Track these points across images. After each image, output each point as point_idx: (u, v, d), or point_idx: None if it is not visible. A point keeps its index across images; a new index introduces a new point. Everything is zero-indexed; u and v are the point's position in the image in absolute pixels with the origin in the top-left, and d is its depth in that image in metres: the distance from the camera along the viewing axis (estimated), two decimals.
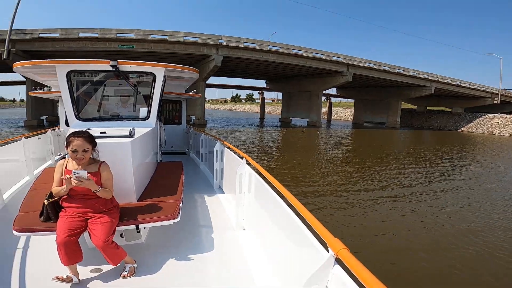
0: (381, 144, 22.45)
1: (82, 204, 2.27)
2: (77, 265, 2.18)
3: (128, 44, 25.04)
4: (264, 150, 17.15)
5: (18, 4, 24.21)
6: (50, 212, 2.29)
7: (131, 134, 2.91)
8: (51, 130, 6.48)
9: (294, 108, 43.17)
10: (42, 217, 2.32)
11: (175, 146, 7.33)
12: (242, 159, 3.17)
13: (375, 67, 33.56)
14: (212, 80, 48.15)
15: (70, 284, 2.10)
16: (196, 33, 25.24)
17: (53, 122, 25.77)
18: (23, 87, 31.61)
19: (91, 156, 2.32)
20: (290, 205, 1.93)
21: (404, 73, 35.80)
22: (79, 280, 2.15)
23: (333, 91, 53.59)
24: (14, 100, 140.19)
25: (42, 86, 5.90)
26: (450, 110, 51.71)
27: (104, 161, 2.41)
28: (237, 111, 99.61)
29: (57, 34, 24.35)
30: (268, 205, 2.47)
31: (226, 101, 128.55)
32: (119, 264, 2.27)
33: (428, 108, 56.09)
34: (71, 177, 2.11)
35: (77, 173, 2.10)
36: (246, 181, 3.02)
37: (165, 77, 3.67)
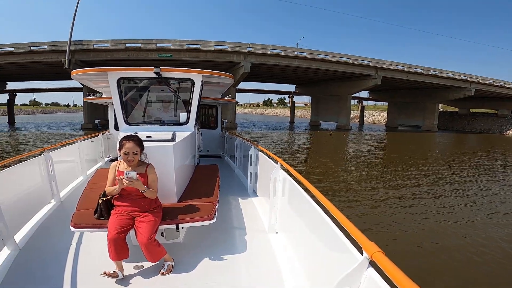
0: (406, 147, 22.17)
1: (131, 203, 2.41)
2: (122, 261, 2.33)
3: (166, 53, 27.51)
4: (288, 152, 18.01)
5: (74, 17, 27.48)
6: (103, 210, 2.45)
7: (173, 138, 3.05)
8: (102, 134, 6.79)
9: (323, 112, 43.38)
10: (96, 214, 2.48)
11: (211, 149, 7.45)
12: (277, 163, 3.18)
13: (406, 69, 32.93)
14: (244, 85, 50.31)
15: (115, 279, 2.24)
16: (226, 42, 27.20)
17: (105, 125, 28.76)
18: (77, 94, 35.83)
19: (139, 159, 2.49)
20: (324, 209, 1.92)
21: (439, 74, 34.54)
22: (123, 275, 2.28)
23: (365, 94, 52.73)
24: (68, 105, 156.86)
25: (95, 92, 6.37)
26: (496, 112, 48.11)
27: (150, 163, 2.56)
28: (269, 115, 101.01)
29: (108, 45, 27.26)
30: (301, 209, 2.49)
31: (258, 105, 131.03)
32: (158, 262, 2.43)
33: (471, 110, 52.63)
34: (123, 178, 2.29)
35: (128, 174, 2.27)
36: (280, 185, 3.03)
37: (202, 83, 3.83)
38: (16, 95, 50.28)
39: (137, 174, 2.35)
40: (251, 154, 4.55)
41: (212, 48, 26.98)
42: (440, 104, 44.12)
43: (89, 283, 2.27)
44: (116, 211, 2.42)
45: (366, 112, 66.41)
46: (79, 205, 2.81)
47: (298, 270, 2.36)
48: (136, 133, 2.97)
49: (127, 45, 27.48)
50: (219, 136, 7.74)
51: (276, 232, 3.10)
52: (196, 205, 2.86)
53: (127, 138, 2.45)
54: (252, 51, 27.26)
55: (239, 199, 4.29)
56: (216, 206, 2.87)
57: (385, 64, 31.95)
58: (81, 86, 29.46)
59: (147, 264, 2.47)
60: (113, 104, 5.49)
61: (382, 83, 33.36)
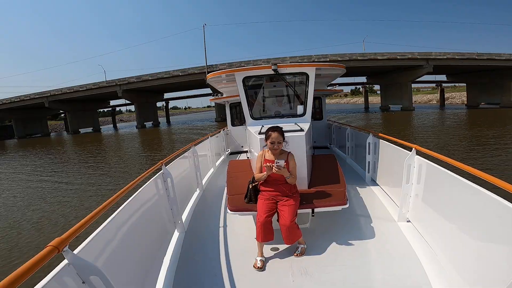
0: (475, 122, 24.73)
1: (274, 188, 2.68)
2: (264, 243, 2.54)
3: None
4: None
5: (205, 48, 43.16)
6: (252, 195, 2.78)
7: (301, 129, 3.33)
8: (223, 130, 7.61)
9: (390, 97, 50.25)
10: (246, 198, 2.81)
11: (317, 141, 7.39)
12: (411, 150, 3.00)
13: (457, 57, 37.93)
14: None
15: (259, 258, 2.50)
16: (297, 57, 39.67)
17: (225, 119, 43.40)
18: (189, 100, 52.70)
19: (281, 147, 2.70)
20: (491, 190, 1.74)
21: (496, 58, 37.82)
22: (264, 256, 2.56)
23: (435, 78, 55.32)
24: (185, 108, 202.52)
25: (218, 93, 7.52)
26: None
27: (290, 152, 2.78)
28: (356, 103, 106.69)
29: (225, 67, 38.83)
30: (449, 195, 2.29)
31: (346, 95, 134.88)
32: (291, 245, 2.63)
33: None
34: (272, 166, 2.52)
35: (278, 162, 2.51)
36: (415, 171, 2.89)
37: (315, 76, 4.03)
38: (169, 102, 74.74)
39: (284, 162, 2.54)
40: (369, 143, 4.47)
41: (288, 62, 39.76)
42: None
43: (238, 260, 2.57)
44: (263, 196, 2.70)
45: (456, 93, 68.16)
46: (228, 191, 3.13)
47: (442, 260, 2.24)
48: (262, 126, 3.38)
49: (252, 64, 41.03)
50: (325, 127, 7.79)
51: (408, 221, 3.02)
52: (326, 191, 2.98)
53: (272, 129, 2.69)
54: (316, 60, 38.79)
55: (357, 188, 4.28)
56: (346, 192, 2.96)
57: (433, 55, 38.01)
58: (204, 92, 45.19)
59: (282, 247, 2.70)
60: (229, 103, 7.13)
61: (439, 70, 39.30)
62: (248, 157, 5.55)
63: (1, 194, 11.02)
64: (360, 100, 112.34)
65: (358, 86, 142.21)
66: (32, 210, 8.59)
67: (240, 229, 3.20)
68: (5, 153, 27.38)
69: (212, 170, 5.87)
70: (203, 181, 4.90)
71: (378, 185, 4.34)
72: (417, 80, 46.26)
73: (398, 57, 38.14)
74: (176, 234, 3.10)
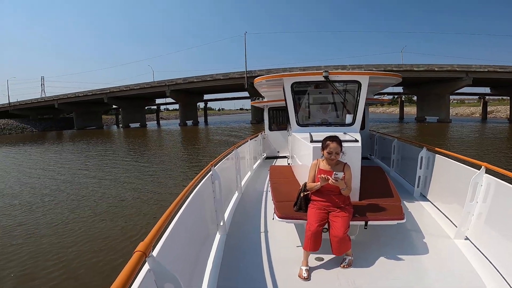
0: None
1: (327, 199, 2.64)
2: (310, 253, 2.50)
3: None
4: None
5: (245, 54, 46.28)
6: (302, 203, 2.75)
7: (356, 139, 3.17)
8: (260, 134, 7.61)
9: (426, 108, 49.75)
10: (295, 207, 2.79)
11: None
12: (480, 168, 2.91)
13: (498, 70, 37.35)
14: None
15: (305, 267, 2.44)
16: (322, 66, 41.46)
17: (260, 121, 43.94)
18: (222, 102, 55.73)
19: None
20: None
21: None
22: (309, 266, 2.50)
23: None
24: (219, 110, 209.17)
25: (259, 96, 7.71)
26: None
27: (346, 163, 2.71)
28: (391, 113, 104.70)
29: (263, 74, 43.51)
30: None
31: (382, 105, 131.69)
32: (337, 255, 2.56)
33: None
34: (328, 177, 2.48)
35: (336, 174, 2.46)
36: (482, 190, 2.80)
37: (368, 85, 3.91)
38: (207, 103, 79.00)
39: (343, 174, 2.50)
40: (421, 157, 4.34)
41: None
42: None
43: (282, 268, 2.52)
44: (314, 205, 2.67)
45: (502, 107, 65.70)
46: (275, 198, 3.16)
47: (508, 278, 2.20)
48: (310, 133, 3.32)
49: (274, 73, 44.98)
50: (367, 137, 7.64)
51: (466, 239, 2.93)
52: (380, 204, 2.93)
53: (330, 138, 2.63)
54: (350, 70, 40.23)
55: (405, 202, 4.10)
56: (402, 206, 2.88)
57: (474, 68, 37.77)
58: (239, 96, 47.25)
59: (326, 257, 2.64)
60: (268, 107, 7.42)
61: (479, 82, 39.34)
62: (288, 163, 5.97)
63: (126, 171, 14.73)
64: (396, 110, 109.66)
65: (395, 96, 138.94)
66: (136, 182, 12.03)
67: (282, 237, 3.15)
68: (93, 140, 32.44)
69: (249, 173, 5.93)
70: (242, 184, 4.96)
71: (429, 200, 4.20)
72: (457, 92, 45.62)
73: (436, 69, 38.44)
74: (218, 236, 3.10)
